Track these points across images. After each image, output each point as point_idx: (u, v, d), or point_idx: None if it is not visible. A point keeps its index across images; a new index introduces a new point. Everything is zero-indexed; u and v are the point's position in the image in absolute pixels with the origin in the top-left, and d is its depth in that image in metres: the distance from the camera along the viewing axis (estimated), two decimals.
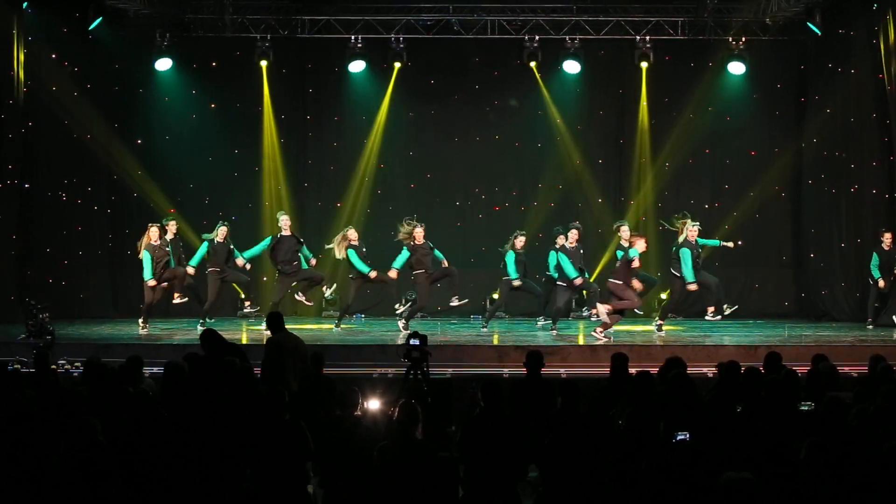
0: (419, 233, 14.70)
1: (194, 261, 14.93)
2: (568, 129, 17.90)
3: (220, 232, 14.95)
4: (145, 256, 14.42)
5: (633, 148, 17.79)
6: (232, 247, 15.07)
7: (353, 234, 14.93)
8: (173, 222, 15.02)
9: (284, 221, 14.89)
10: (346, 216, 17.31)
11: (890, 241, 15.26)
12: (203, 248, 14.93)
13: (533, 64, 17.11)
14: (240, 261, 15.00)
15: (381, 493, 6.23)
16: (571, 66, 17.13)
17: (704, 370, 10.98)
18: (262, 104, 17.47)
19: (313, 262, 15.10)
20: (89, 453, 5.37)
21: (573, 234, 14.73)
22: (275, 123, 17.64)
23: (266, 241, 15.01)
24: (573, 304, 16.30)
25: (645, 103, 17.54)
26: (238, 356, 8.87)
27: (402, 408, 6.55)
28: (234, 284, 15.92)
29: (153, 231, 14.54)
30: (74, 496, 4.86)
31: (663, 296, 16.71)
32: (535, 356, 8.85)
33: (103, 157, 17.14)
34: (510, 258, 14.96)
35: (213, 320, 14.93)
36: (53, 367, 10.03)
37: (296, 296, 15.22)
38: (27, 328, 11.90)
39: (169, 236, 14.80)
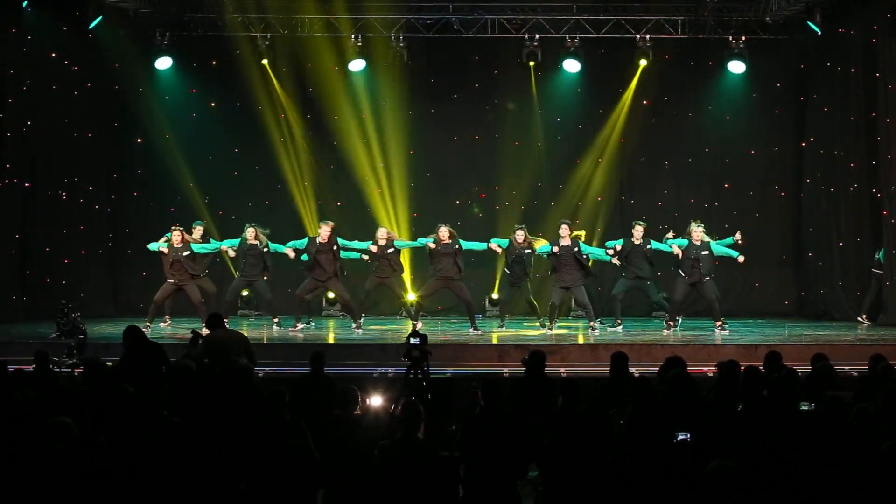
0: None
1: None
2: (568, 129, 17.90)
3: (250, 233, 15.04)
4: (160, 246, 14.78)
5: (634, 147, 17.79)
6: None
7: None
8: (201, 227, 15.28)
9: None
10: (346, 215, 17.32)
11: None
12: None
13: (532, 64, 17.11)
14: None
15: (382, 493, 6.23)
16: (571, 65, 17.12)
17: (704, 369, 10.97)
18: (263, 103, 17.45)
19: None
20: (72, 452, 5.34)
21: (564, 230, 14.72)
22: (274, 123, 17.64)
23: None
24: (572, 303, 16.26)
25: (630, 98, 17.47)
26: (158, 356, 8.95)
27: (406, 407, 6.54)
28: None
29: (176, 234, 14.74)
30: (73, 496, 4.86)
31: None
32: (536, 356, 8.86)
33: (103, 157, 17.13)
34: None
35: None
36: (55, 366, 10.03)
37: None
38: (58, 327, 11.90)
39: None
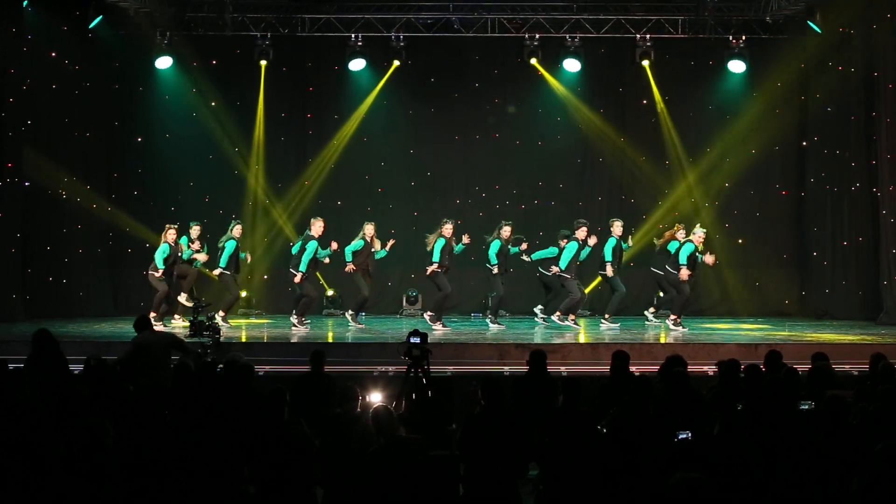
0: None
1: (223, 262, 15.04)
2: (568, 128, 17.90)
3: (237, 230, 15.17)
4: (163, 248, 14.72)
5: (634, 147, 17.79)
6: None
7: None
8: (197, 227, 15.33)
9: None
10: (347, 215, 17.32)
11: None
12: (230, 247, 15.08)
13: (534, 60, 17.10)
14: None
15: (379, 494, 6.23)
16: (572, 65, 17.13)
17: (705, 368, 10.97)
18: (264, 103, 17.45)
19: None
20: (95, 456, 5.34)
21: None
22: (275, 122, 17.65)
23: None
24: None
25: (658, 100, 17.50)
26: (60, 360, 8.94)
27: (374, 417, 6.53)
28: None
29: (171, 232, 14.76)
30: (73, 496, 4.85)
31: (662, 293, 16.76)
32: (537, 355, 8.86)
33: (103, 156, 17.12)
34: (494, 248, 15.01)
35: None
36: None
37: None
38: (192, 328, 11.91)
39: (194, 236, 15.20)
